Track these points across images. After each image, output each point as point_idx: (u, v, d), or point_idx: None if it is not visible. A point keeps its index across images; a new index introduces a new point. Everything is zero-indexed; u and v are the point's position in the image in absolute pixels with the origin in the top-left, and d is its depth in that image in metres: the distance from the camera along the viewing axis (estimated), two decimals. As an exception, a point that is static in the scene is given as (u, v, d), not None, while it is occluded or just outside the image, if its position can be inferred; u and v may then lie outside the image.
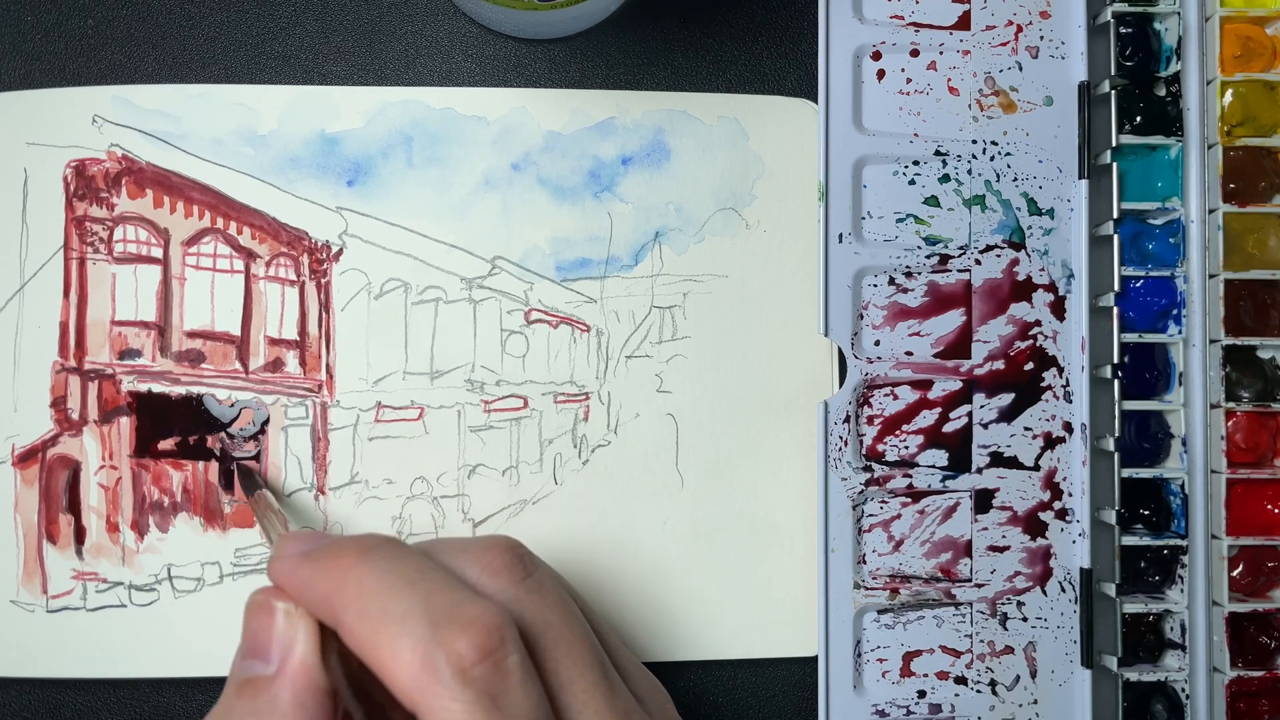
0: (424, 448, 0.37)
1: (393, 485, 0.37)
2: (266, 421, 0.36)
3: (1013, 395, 0.37)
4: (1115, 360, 0.37)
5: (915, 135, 0.37)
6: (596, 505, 0.37)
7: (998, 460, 0.37)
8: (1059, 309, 0.38)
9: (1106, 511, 0.37)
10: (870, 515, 0.37)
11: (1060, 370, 0.37)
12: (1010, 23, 0.38)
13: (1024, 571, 0.37)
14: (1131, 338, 0.37)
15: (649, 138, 0.38)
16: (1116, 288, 0.37)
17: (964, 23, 0.38)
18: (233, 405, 0.36)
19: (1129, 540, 0.36)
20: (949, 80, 0.38)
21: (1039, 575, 0.37)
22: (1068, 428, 0.37)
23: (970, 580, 0.37)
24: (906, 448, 0.37)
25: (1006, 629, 0.37)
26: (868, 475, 0.37)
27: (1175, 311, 0.37)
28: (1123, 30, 0.37)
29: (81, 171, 0.36)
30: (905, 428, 0.37)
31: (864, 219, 0.37)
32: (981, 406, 0.37)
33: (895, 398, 0.37)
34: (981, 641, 0.37)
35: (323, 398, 0.37)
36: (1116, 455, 0.36)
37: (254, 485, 0.35)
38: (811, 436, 0.37)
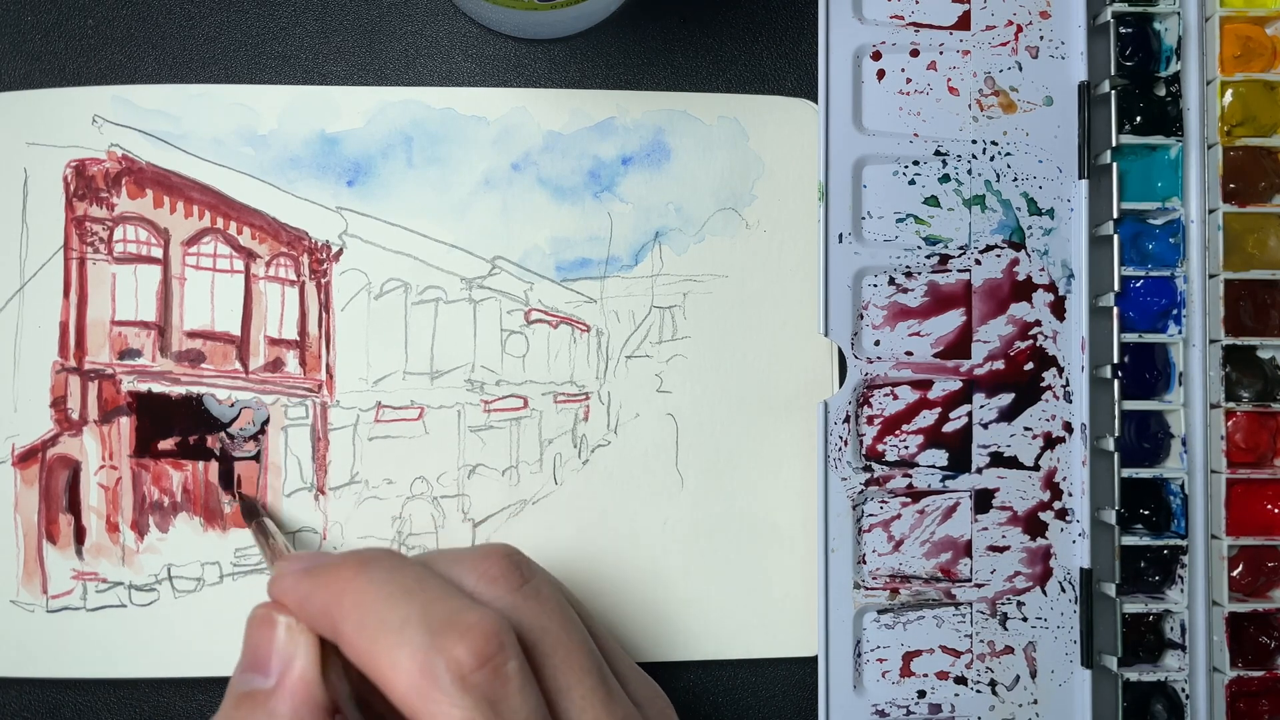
0: (424, 448, 0.37)
1: (393, 485, 0.37)
2: (266, 421, 0.36)
3: (1013, 395, 0.37)
4: (1115, 360, 0.37)
5: (915, 135, 0.37)
6: (596, 505, 0.37)
7: (998, 460, 0.37)
8: (1059, 309, 0.38)
9: (1106, 511, 0.37)
10: (870, 515, 0.37)
11: (1060, 370, 0.37)
12: (1010, 23, 0.38)
13: (1024, 571, 0.37)
14: (1131, 338, 0.37)
15: (649, 138, 0.38)
16: (1116, 288, 0.37)
17: (964, 23, 0.38)
18: (233, 405, 0.36)
19: (1129, 540, 0.36)
20: (949, 80, 0.38)
21: (1039, 575, 0.37)
22: (1068, 428, 0.37)
23: (970, 580, 0.37)
24: (906, 448, 0.37)
25: (1006, 629, 0.37)
26: (868, 475, 0.37)
27: (1175, 311, 0.37)
28: (1123, 30, 0.37)
29: (81, 171, 0.36)
30: (905, 428, 0.37)
31: (864, 219, 0.37)
32: (981, 406, 0.37)
33: (895, 398, 0.37)
34: (981, 641, 0.37)
35: (323, 397, 0.37)
36: (1116, 455, 0.36)
37: (254, 514, 0.35)
38: (811, 436, 0.37)
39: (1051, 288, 0.38)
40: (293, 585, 0.27)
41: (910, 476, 0.37)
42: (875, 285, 0.37)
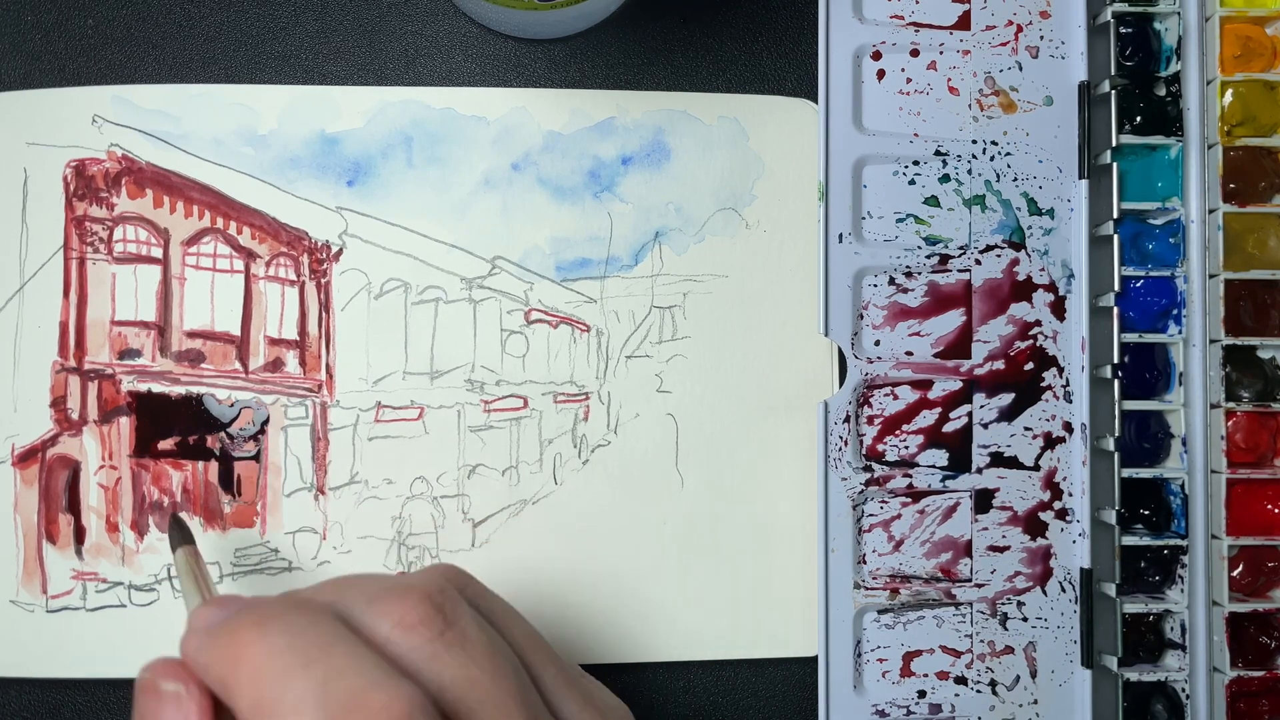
0: (424, 448, 0.37)
1: (392, 485, 0.37)
2: (266, 421, 0.36)
3: (1013, 395, 0.37)
4: (1115, 360, 0.37)
5: (915, 135, 0.37)
6: (596, 505, 0.37)
7: (998, 460, 0.37)
8: (1059, 309, 0.38)
9: (1106, 511, 0.37)
10: (870, 515, 0.37)
11: (1060, 370, 0.37)
12: (1010, 23, 0.38)
13: (1024, 571, 0.37)
14: (1131, 338, 0.37)
15: (649, 138, 0.38)
16: (1116, 288, 0.37)
17: (964, 23, 0.38)
18: (232, 405, 0.36)
19: (1129, 540, 0.36)
20: (949, 80, 0.38)
21: (1039, 575, 0.37)
22: (1068, 428, 0.37)
23: (970, 580, 0.37)
24: (906, 448, 0.37)
25: (1006, 629, 0.37)
26: (868, 475, 0.37)
27: (1175, 311, 0.37)
28: (1123, 30, 0.37)
29: (81, 171, 0.36)
30: (905, 428, 0.37)
31: (864, 219, 0.37)
32: (981, 406, 0.37)
33: (895, 398, 0.37)
34: (981, 641, 0.37)
35: (322, 397, 0.37)
36: (1116, 455, 0.36)
37: (182, 539, 0.33)
38: (811, 436, 0.37)
39: (1051, 288, 0.38)
40: (196, 649, 0.25)
41: (910, 476, 0.37)
42: (875, 285, 0.37)
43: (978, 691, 0.37)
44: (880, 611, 0.37)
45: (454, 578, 0.28)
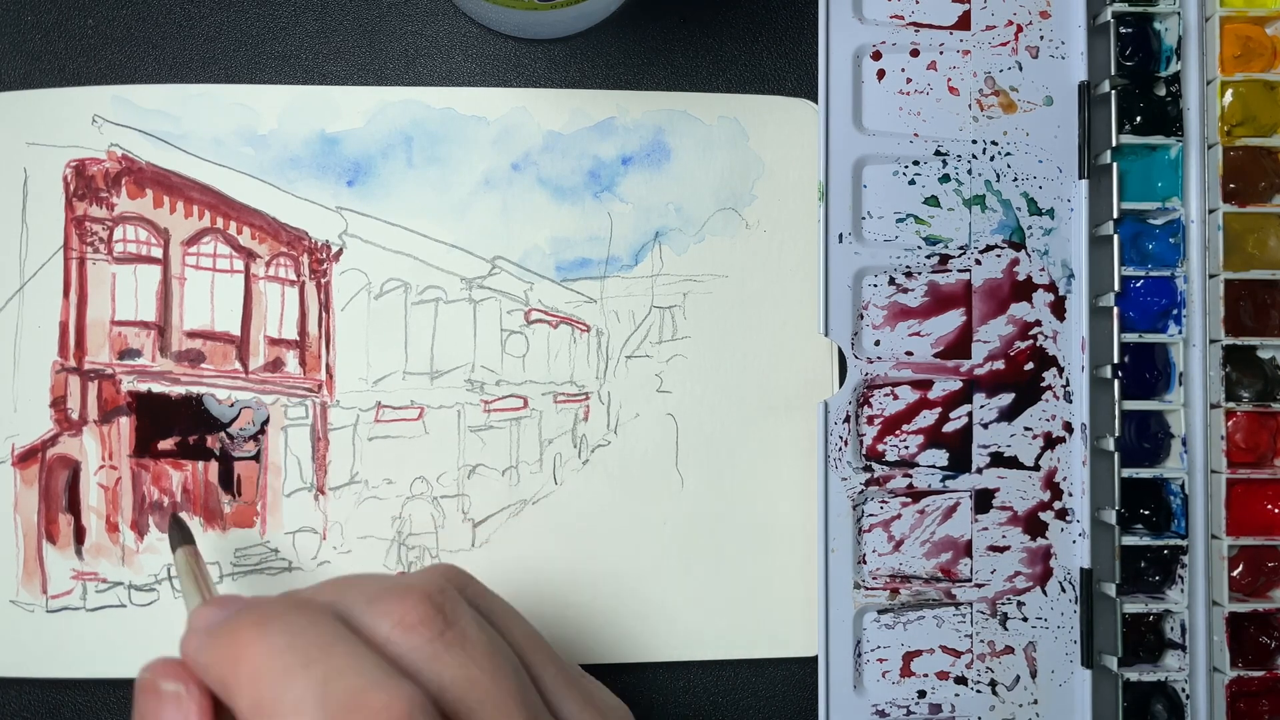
0: (424, 448, 0.37)
1: (393, 485, 0.37)
2: (266, 421, 0.36)
3: (1013, 395, 0.37)
4: (1115, 360, 0.37)
5: (915, 135, 0.37)
6: (596, 505, 0.37)
7: (998, 460, 0.37)
8: (1059, 309, 0.38)
9: (1106, 511, 0.37)
10: (870, 515, 0.37)
11: (1060, 370, 0.37)
12: (1010, 23, 0.38)
13: (1024, 571, 0.37)
14: (1131, 338, 0.37)
15: (649, 138, 0.38)
16: (1116, 288, 0.37)
17: (964, 23, 0.38)
18: (232, 405, 0.36)
19: (1129, 540, 0.36)
20: (949, 80, 0.38)
21: (1039, 575, 0.37)
22: (1068, 428, 0.37)
23: (970, 580, 0.37)
24: (906, 448, 0.37)
25: (1006, 629, 0.37)
26: (868, 475, 0.37)
27: (1175, 311, 0.37)
28: (1123, 30, 0.37)
29: (81, 171, 0.36)
30: (905, 428, 0.37)
31: (864, 219, 0.37)
32: (981, 406, 0.37)
33: (895, 398, 0.37)
34: (981, 641, 0.37)
35: (322, 397, 0.37)
36: (1116, 455, 0.36)
37: (182, 539, 0.33)
38: (811, 436, 0.37)
39: (1051, 288, 0.38)
40: (196, 649, 0.25)
41: (910, 476, 0.37)
42: (875, 285, 0.37)
43: (978, 691, 0.37)
44: (880, 611, 0.37)
45: (454, 578, 0.28)
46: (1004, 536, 0.37)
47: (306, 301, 0.37)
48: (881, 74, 0.38)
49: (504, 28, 0.36)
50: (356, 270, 0.37)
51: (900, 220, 0.37)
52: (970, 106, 0.38)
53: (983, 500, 0.37)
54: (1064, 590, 0.37)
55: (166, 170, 0.36)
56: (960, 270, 0.38)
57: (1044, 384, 0.37)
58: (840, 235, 0.37)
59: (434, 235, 0.37)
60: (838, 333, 0.37)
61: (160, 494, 0.36)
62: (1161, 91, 0.37)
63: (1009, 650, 0.37)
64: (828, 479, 0.37)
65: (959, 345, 0.37)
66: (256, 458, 0.36)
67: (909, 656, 0.37)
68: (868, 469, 0.37)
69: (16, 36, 0.37)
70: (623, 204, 0.37)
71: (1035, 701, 0.37)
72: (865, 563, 0.37)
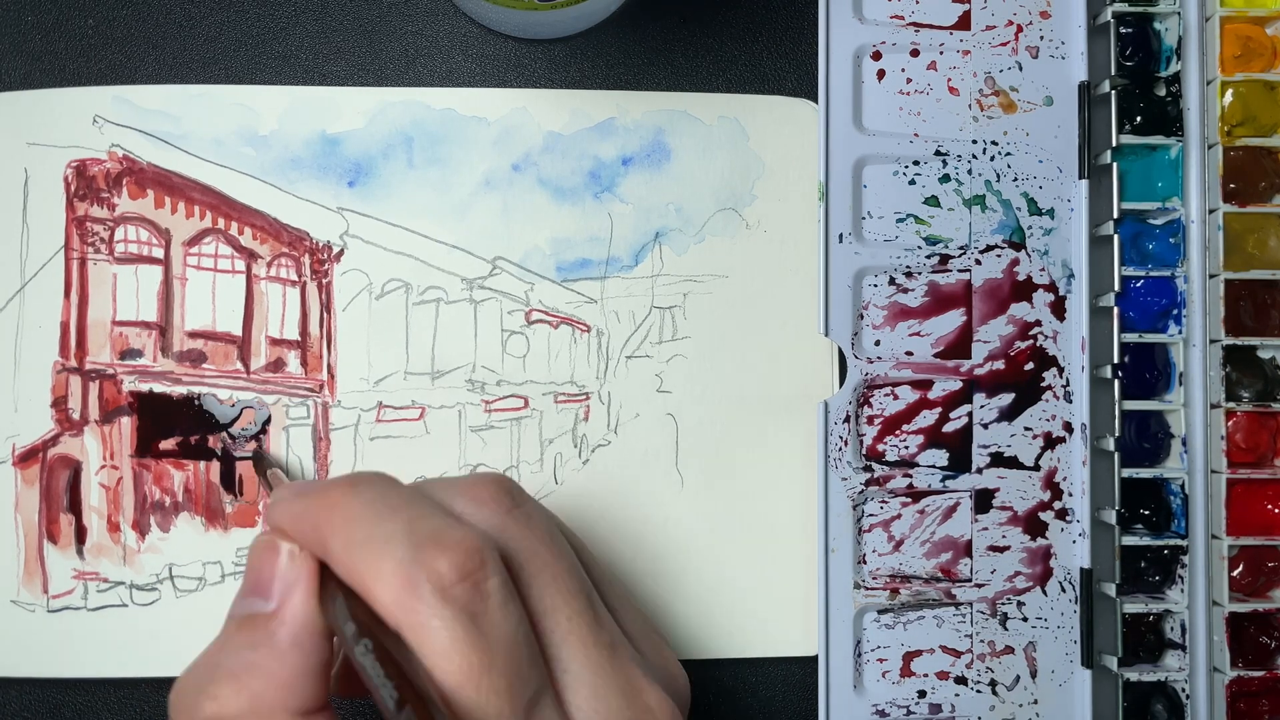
0: (425, 447, 0.37)
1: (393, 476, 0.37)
2: (268, 421, 0.37)
3: (1013, 395, 0.37)
4: (1115, 360, 0.37)
5: (915, 135, 0.38)
6: (597, 505, 0.37)
7: (998, 460, 0.37)
8: (1059, 309, 0.38)
9: (1106, 511, 0.37)
10: (870, 515, 0.37)
11: (1060, 370, 0.37)
12: (1010, 23, 0.38)
13: (1024, 571, 0.37)
14: (1131, 338, 0.37)
15: (649, 138, 0.38)
16: (1116, 288, 0.37)
17: (964, 23, 0.38)
18: (234, 405, 0.37)
19: (1129, 540, 0.36)
20: (949, 80, 0.38)
21: (1039, 575, 0.37)
22: (1068, 428, 0.37)
23: (970, 580, 0.37)
24: (906, 448, 0.37)
25: (1006, 629, 0.37)
26: (868, 475, 0.37)
27: (1175, 311, 0.37)
28: (1123, 30, 0.37)
29: (82, 172, 0.36)
30: (905, 428, 0.37)
31: (864, 219, 0.37)
32: (981, 406, 0.37)
33: (895, 398, 0.37)
34: (981, 641, 0.37)
35: (324, 398, 0.37)
36: (1116, 455, 0.36)
37: (265, 464, 0.35)
38: (811, 436, 0.37)
39: (1052, 288, 0.38)
40: (286, 506, 0.27)
41: (910, 476, 0.37)
42: (875, 285, 0.37)
43: (978, 691, 0.37)
44: (880, 611, 0.37)
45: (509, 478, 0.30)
46: (1004, 536, 0.37)
47: (308, 302, 0.37)
48: (881, 74, 0.38)
49: (504, 28, 0.37)
50: (358, 271, 0.37)
51: (900, 220, 0.37)
52: (970, 106, 0.38)
53: (983, 500, 0.37)
54: (1064, 590, 0.37)
55: (167, 171, 0.36)
56: (960, 270, 0.38)
57: (1044, 384, 0.37)
58: (840, 235, 0.37)
59: (435, 236, 0.37)
60: (838, 333, 0.37)
61: (162, 494, 0.36)
62: (1161, 91, 0.37)
63: (1009, 650, 0.37)
64: (828, 479, 0.37)
65: (959, 345, 0.37)
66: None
67: (909, 656, 0.37)
68: (868, 469, 0.37)
69: (16, 36, 0.37)
70: (623, 204, 0.38)
71: (1035, 701, 0.37)
72: (865, 563, 0.37)
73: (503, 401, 0.37)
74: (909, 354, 0.37)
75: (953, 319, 0.37)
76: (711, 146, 0.38)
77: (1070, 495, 0.37)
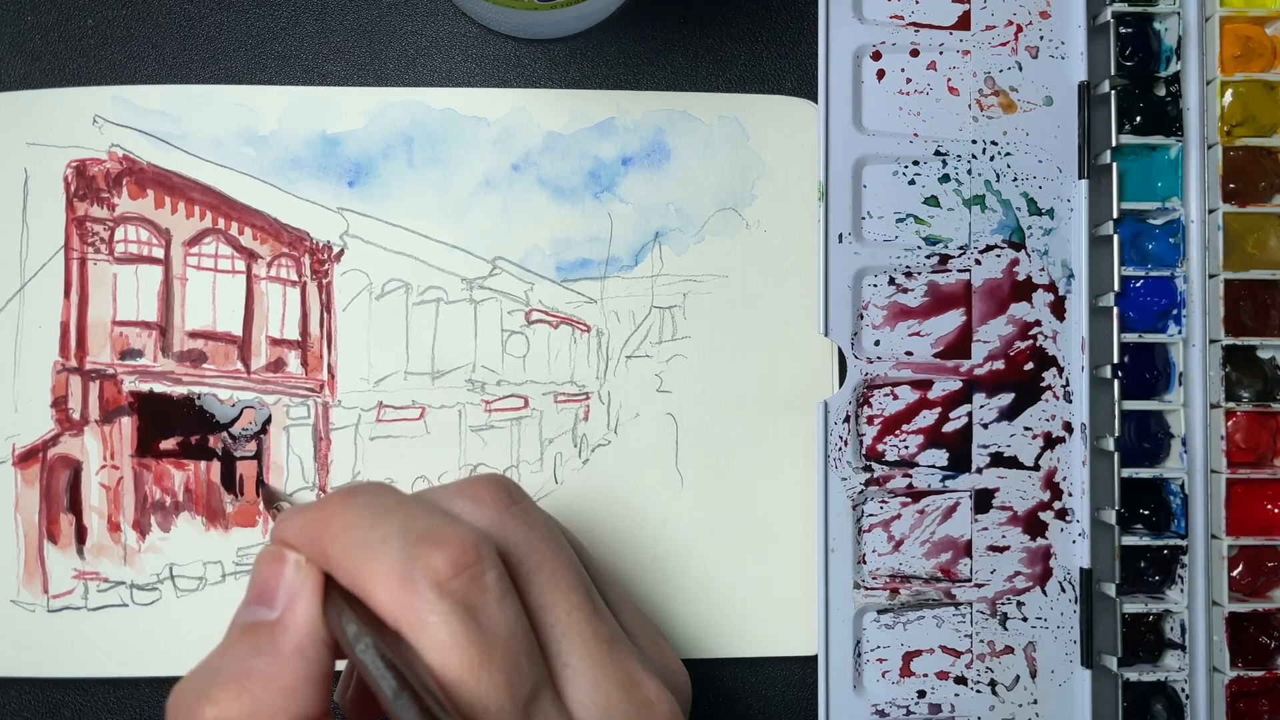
0: (425, 447, 0.37)
1: (394, 484, 0.37)
2: (268, 421, 0.37)
3: (1013, 395, 0.37)
4: (1115, 360, 0.37)
5: (915, 135, 0.38)
6: (597, 505, 0.37)
7: (998, 460, 0.37)
8: (1059, 309, 0.38)
9: (1106, 511, 0.37)
10: (870, 515, 0.37)
11: (1060, 370, 0.37)
12: (1010, 23, 0.38)
13: (1024, 571, 0.37)
14: (1131, 338, 0.37)
15: (649, 138, 0.38)
16: (1116, 288, 0.37)
17: (964, 23, 0.38)
18: (234, 405, 0.37)
19: (1129, 540, 0.36)
20: (949, 80, 0.38)
21: (1039, 575, 0.37)
22: (1068, 428, 0.37)
23: (970, 580, 0.37)
24: (906, 448, 0.37)
25: (1006, 629, 0.37)
26: (868, 475, 0.37)
27: (1175, 311, 0.37)
28: (1123, 30, 0.37)
29: (82, 172, 0.36)
30: (905, 428, 0.37)
31: (864, 219, 0.37)
32: (981, 406, 0.37)
33: (895, 398, 0.37)
34: (981, 641, 0.37)
35: (324, 397, 0.37)
36: (1116, 455, 0.36)
37: (275, 499, 0.36)
38: (811, 436, 0.37)
39: (1051, 288, 0.38)
40: (290, 522, 0.28)
41: (910, 476, 0.37)
42: (875, 285, 0.37)
43: (977, 691, 0.37)
44: (880, 611, 0.37)
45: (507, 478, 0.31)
46: (1004, 536, 0.37)
47: (308, 302, 0.37)
48: (881, 74, 0.38)
49: (504, 28, 0.36)
50: (358, 271, 0.37)
51: (900, 220, 0.37)
52: (970, 106, 0.38)
53: (982, 500, 0.37)
54: (1064, 590, 0.37)
55: (168, 171, 0.37)
56: (960, 270, 0.38)
57: (1044, 384, 0.37)
58: (840, 235, 0.37)
59: (435, 236, 0.37)
60: (838, 333, 0.37)
61: (162, 493, 0.36)
62: (1161, 91, 0.37)
63: (1009, 650, 0.37)
64: (828, 479, 0.37)
65: (959, 345, 0.37)
66: (258, 457, 0.36)
67: (909, 656, 0.37)
68: (868, 469, 0.37)
69: (16, 36, 0.37)
70: (623, 204, 0.38)
71: (1035, 701, 0.37)
72: (865, 563, 0.37)
73: (503, 401, 0.37)
74: (909, 354, 0.37)
75: (952, 319, 0.38)
76: (711, 146, 0.38)
77: (1070, 495, 0.37)
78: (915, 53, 0.38)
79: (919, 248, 0.37)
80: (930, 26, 0.38)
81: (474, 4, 0.34)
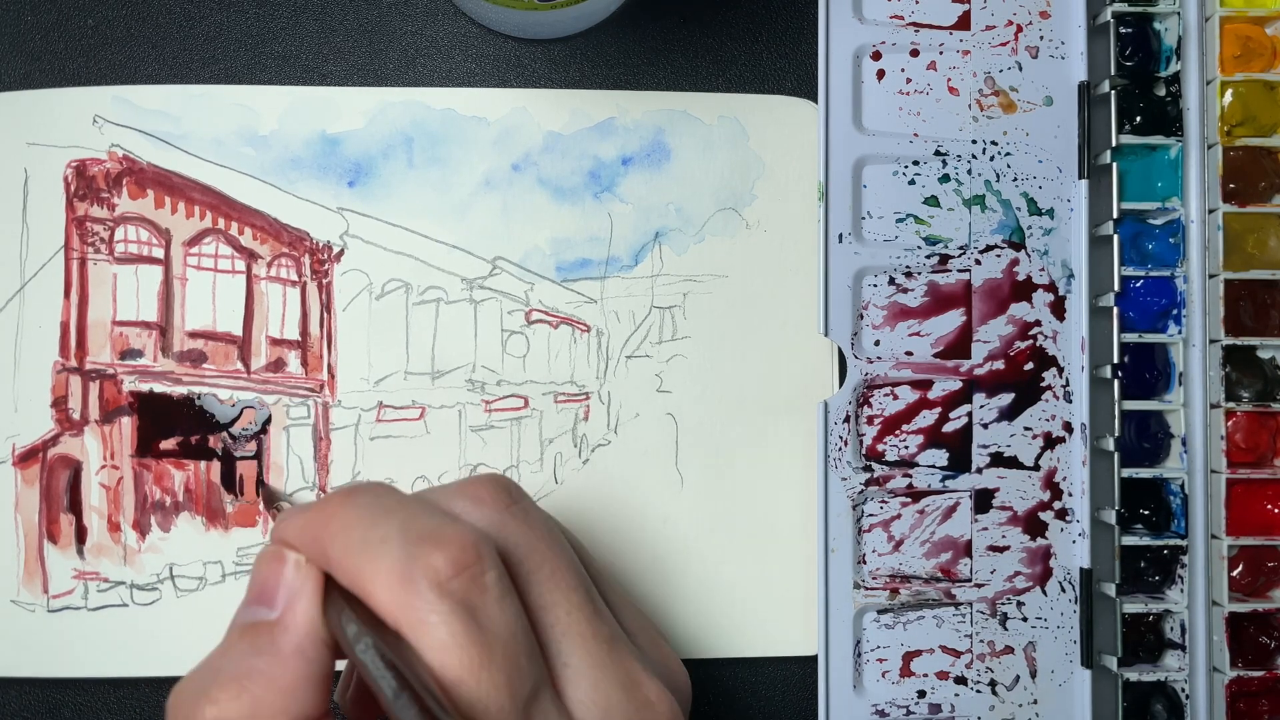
0: (425, 447, 0.37)
1: (394, 484, 0.37)
2: (268, 421, 0.37)
3: (1013, 395, 0.37)
4: (1115, 360, 0.37)
5: (915, 135, 0.38)
6: (597, 505, 0.37)
7: (998, 460, 0.37)
8: (1059, 309, 0.38)
9: (1106, 511, 0.37)
10: (870, 515, 0.37)
11: (1060, 370, 0.37)
12: (1010, 23, 0.38)
13: (1024, 571, 0.37)
14: (1131, 338, 0.37)
15: (649, 138, 0.38)
16: (1116, 288, 0.37)
17: (964, 23, 0.38)
18: (234, 405, 0.37)
19: (1129, 540, 0.36)
20: (949, 80, 0.38)
21: (1039, 575, 0.37)
22: (1068, 428, 0.37)
23: (970, 580, 0.37)
24: (906, 448, 0.37)
25: (1006, 629, 0.37)
26: (868, 475, 0.37)
27: (1175, 311, 0.37)
28: (1123, 30, 0.37)
29: (82, 172, 0.36)
30: (905, 428, 0.37)
31: (864, 219, 0.37)
32: (981, 406, 0.37)
33: (895, 398, 0.37)
34: (981, 641, 0.37)
35: (324, 397, 0.37)
36: (1116, 455, 0.36)
37: (275, 499, 0.36)
38: (811, 436, 0.37)
39: (1051, 288, 0.38)
40: (290, 522, 0.28)
41: (910, 476, 0.37)
42: (875, 285, 0.37)
43: (977, 691, 0.37)
44: (880, 611, 0.37)
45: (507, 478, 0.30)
46: (1004, 536, 0.37)
47: (308, 302, 0.37)
48: (881, 74, 0.38)
49: (504, 28, 0.36)
50: (358, 271, 0.37)
51: (900, 220, 0.37)
52: (970, 106, 0.38)
53: (982, 500, 0.37)
54: (1064, 590, 0.37)
55: (168, 171, 0.37)
56: (960, 270, 0.38)
57: (1044, 384, 0.37)
58: (840, 235, 0.37)
59: (435, 236, 0.37)
60: (838, 333, 0.37)
61: (162, 493, 0.36)
62: (1161, 91, 0.37)
63: (1009, 650, 0.37)
64: (828, 479, 0.37)
65: (959, 345, 0.37)
66: (258, 457, 0.36)
67: (909, 656, 0.37)
68: (868, 469, 0.37)
69: (16, 36, 0.37)
70: (623, 204, 0.38)
71: (1035, 701, 0.37)
72: (865, 563, 0.37)
73: (503, 401, 0.37)
74: (909, 354, 0.37)
75: (952, 319, 0.38)
76: (711, 146, 0.38)
77: (1070, 495, 0.37)
78: (915, 53, 0.38)
79: (919, 248, 0.37)
80: (930, 26, 0.38)
81: (474, 4, 0.34)
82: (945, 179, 0.38)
